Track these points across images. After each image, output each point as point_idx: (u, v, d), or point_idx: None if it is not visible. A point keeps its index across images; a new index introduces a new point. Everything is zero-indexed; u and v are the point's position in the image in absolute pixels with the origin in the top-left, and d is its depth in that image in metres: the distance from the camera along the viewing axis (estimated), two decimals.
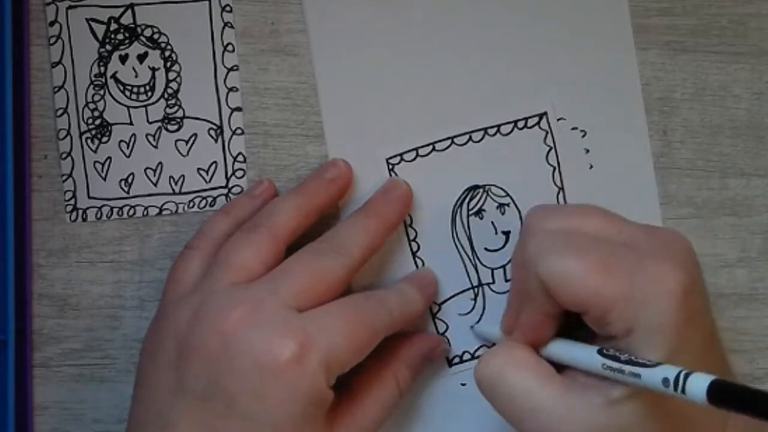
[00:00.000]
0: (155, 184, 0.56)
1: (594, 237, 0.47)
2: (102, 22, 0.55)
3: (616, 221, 0.48)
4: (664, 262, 0.46)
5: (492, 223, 0.56)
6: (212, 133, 0.56)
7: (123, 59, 0.55)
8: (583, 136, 0.56)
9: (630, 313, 0.45)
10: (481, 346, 0.56)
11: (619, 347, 0.46)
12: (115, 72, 0.55)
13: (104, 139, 0.55)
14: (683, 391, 0.42)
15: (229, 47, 0.56)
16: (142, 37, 0.55)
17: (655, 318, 0.45)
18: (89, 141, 0.55)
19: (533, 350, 0.49)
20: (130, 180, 0.56)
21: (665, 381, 0.43)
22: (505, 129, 0.56)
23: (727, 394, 0.40)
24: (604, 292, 0.45)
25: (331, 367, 0.48)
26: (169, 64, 0.55)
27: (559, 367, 0.49)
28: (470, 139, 0.56)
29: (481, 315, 0.56)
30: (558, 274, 0.46)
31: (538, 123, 0.56)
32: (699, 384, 0.41)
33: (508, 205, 0.55)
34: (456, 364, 0.56)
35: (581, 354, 0.47)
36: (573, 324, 0.49)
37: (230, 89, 0.56)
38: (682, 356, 0.44)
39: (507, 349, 0.49)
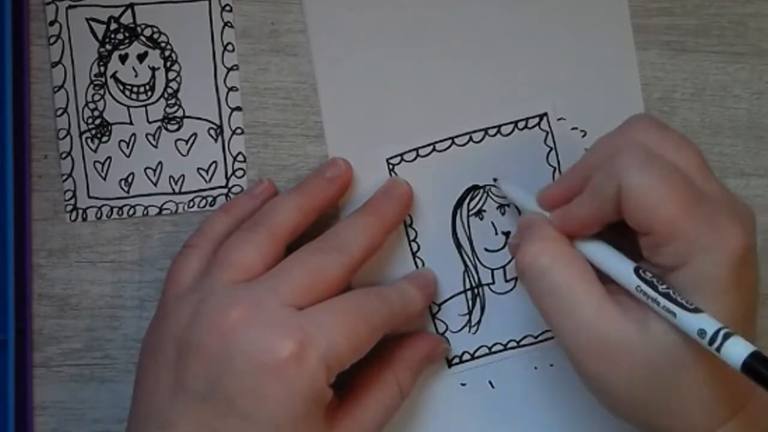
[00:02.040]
0: (155, 184, 0.56)
1: (685, 173, 0.47)
2: (102, 22, 0.55)
3: (705, 168, 0.48)
4: (735, 223, 0.46)
5: (492, 223, 0.56)
6: (212, 132, 0.56)
7: (123, 59, 0.55)
8: (583, 136, 0.56)
9: (689, 252, 0.45)
10: (480, 347, 0.56)
11: (659, 275, 0.46)
12: (115, 72, 0.55)
13: (104, 138, 0.55)
14: (718, 349, 0.42)
15: (229, 47, 0.56)
16: (142, 37, 0.55)
17: (710, 266, 0.45)
18: (89, 141, 0.55)
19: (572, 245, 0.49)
20: (130, 180, 0.56)
21: (701, 332, 0.43)
22: (505, 129, 0.56)
23: (764, 369, 0.41)
24: (677, 224, 0.45)
25: (330, 366, 0.48)
26: (169, 63, 0.55)
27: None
28: (471, 139, 0.56)
29: (481, 316, 0.56)
30: (642, 189, 0.45)
31: (539, 124, 0.56)
32: (738, 350, 0.41)
33: (508, 205, 0.55)
34: (456, 364, 0.56)
35: (618, 265, 0.47)
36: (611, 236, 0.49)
37: (230, 89, 0.56)
38: (724, 318, 0.44)
39: (554, 243, 0.48)
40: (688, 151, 0.48)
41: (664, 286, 0.45)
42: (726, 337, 0.42)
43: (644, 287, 0.46)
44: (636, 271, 0.46)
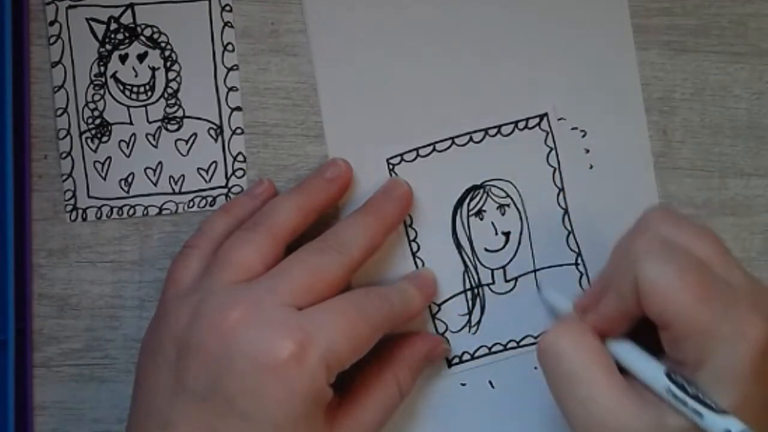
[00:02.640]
0: (155, 184, 0.56)
1: (702, 262, 0.46)
2: (102, 22, 0.55)
3: (727, 257, 0.47)
4: (757, 312, 0.45)
5: (492, 223, 0.56)
6: (212, 132, 0.56)
7: (123, 59, 0.55)
8: (583, 136, 0.56)
9: (709, 346, 0.44)
10: (480, 347, 0.56)
11: (684, 375, 0.45)
12: (115, 72, 0.55)
13: (104, 138, 0.55)
14: None
15: (229, 47, 0.56)
16: (142, 37, 0.55)
17: (731, 360, 0.44)
18: (89, 141, 0.55)
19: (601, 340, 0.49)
20: (130, 180, 0.56)
21: None
22: (505, 130, 0.56)
23: None
24: (693, 315, 0.44)
25: (330, 365, 0.48)
26: (169, 63, 0.55)
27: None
28: (471, 139, 0.56)
29: (481, 316, 0.56)
30: (656, 280, 0.45)
31: (539, 124, 0.56)
32: None
33: (508, 205, 0.55)
34: (456, 364, 0.56)
35: (648, 366, 0.47)
36: (642, 334, 0.48)
37: (230, 89, 0.56)
38: (745, 410, 0.44)
39: (580, 330, 0.48)
40: (707, 239, 0.47)
41: (693, 388, 0.45)
42: None
43: (675, 390, 0.45)
44: (668, 375, 0.46)
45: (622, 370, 0.47)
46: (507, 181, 0.55)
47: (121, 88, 0.55)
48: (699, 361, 0.45)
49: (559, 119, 0.56)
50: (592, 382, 0.46)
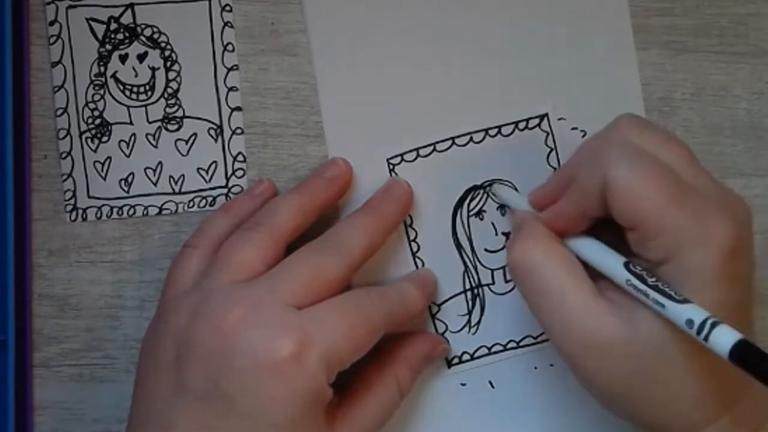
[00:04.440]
0: (155, 184, 0.56)
1: (671, 168, 0.47)
2: (102, 22, 0.55)
3: (694, 163, 0.48)
4: (725, 216, 0.46)
5: (492, 224, 0.56)
6: (212, 132, 0.56)
7: (123, 59, 0.55)
8: (583, 136, 0.56)
9: (676, 245, 0.45)
10: (480, 347, 0.56)
11: (648, 269, 0.46)
12: (115, 72, 0.55)
13: (104, 138, 0.55)
14: (706, 338, 0.42)
15: (229, 47, 0.56)
16: (142, 37, 0.55)
17: (698, 260, 0.45)
18: (89, 141, 0.55)
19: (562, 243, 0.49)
20: (130, 180, 0.56)
21: (689, 322, 0.43)
22: (506, 130, 0.56)
23: (751, 357, 0.41)
24: (663, 215, 0.45)
25: (330, 365, 0.48)
26: (169, 63, 0.55)
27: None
28: (471, 139, 0.56)
29: (481, 316, 0.56)
30: (627, 183, 0.45)
31: (539, 124, 0.56)
32: (725, 338, 0.41)
33: (508, 206, 0.55)
34: (455, 364, 0.56)
35: (608, 261, 0.47)
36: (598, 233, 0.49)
37: (230, 89, 0.56)
38: (717, 313, 0.44)
39: (544, 239, 0.49)
40: (675, 146, 0.48)
41: (653, 279, 0.45)
42: (713, 326, 0.42)
43: (634, 280, 0.46)
44: (626, 265, 0.46)
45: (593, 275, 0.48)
46: (507, 181, 0.55)
47: (121, 88, 0.55)
48: (667, 258, 0.46)
49: (560, 119, 0.56)
50: (565, 292, 0.47)
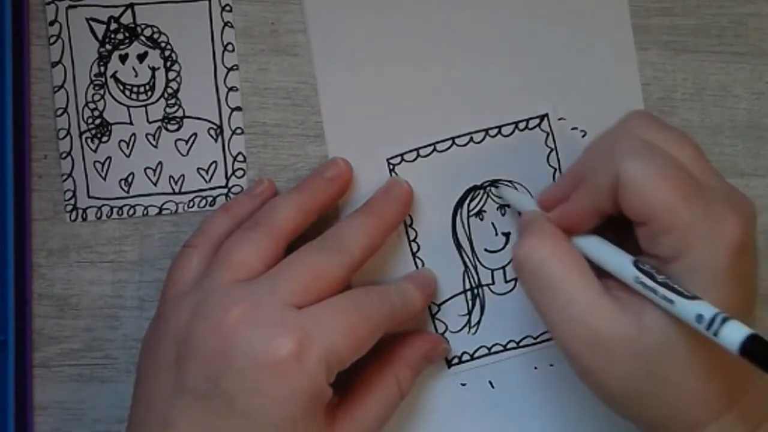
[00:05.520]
0: (155, 184, 0.56)
1: (682, 164, 0.47)
2: (102, 22, 0.55)
3: (704, 161, 0.48)
4: (733, 213, 0.46)
5: (492, 224, 0.56)
6: (212, 132, 0.56)
7: (123, 59, 0.55)
8: (583, 136, 0.56)
9: (686, 241, 0.45)
10: (480, 347, 0.56)
11: (656, 267, 0.46)
12: (115, 72, 0.55)
13: (104, 138, 0.55)
14: (716, 333, 0.42)
15: (229, 47, 0.56)
16: (142, 37, 0.55)
17: (709, 256, 0.45)
18: (89, 141, 0.55)
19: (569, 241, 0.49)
20: (130, 180, 0.56)
21: (699, 317, 0.43)
22: (506, 130, 0.56)
23: (762, 351, 0.41)
24: (674, 210, 0.45)
25: (330, 364, 0.48)
26: (169, 63, 0.55)
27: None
28: (471, 139, 0.56)
29: (481, 316, 0.56)
30: (638, 177, 0.46)
31: (539, 124, 0.56)
32: (736, 333, 0.41)
33: (508, 206, 0.55)
34: (455, 364, 0.56)
35: (616, 259, 0.48)
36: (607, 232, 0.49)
37: (230, 89, 0.56)
38: (725, 311, 0.44)
39: (552, 237, 0.49)
40: (686, 145, 0.48)
41: (662, 276, 0.45)
42: (724, 321, 0.42)
43: (643, 278, 0.46)
44: (635, 263, 0.46)
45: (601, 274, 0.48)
46: (508, 181, 0.55)
47: (121, 88, 0.55)
48: (677, 255, 0.46)
49: (560, 119, 0.56)
50: (572, 290, 0.47)
